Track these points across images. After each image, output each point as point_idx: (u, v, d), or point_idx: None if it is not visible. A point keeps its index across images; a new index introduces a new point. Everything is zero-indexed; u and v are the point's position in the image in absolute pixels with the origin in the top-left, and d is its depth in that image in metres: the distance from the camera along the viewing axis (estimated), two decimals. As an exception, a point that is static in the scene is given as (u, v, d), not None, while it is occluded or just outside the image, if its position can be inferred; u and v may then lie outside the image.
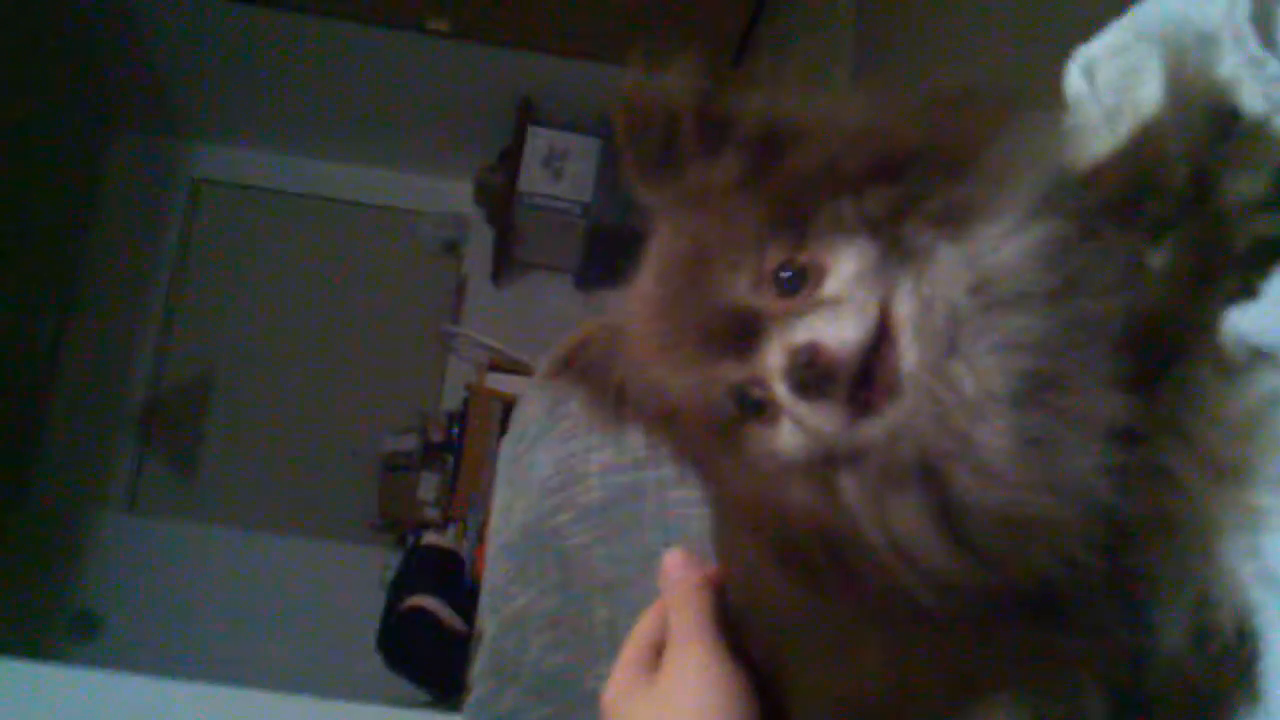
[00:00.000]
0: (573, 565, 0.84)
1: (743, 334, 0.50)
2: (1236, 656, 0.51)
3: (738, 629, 0.63)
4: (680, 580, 0.63)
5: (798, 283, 0.50)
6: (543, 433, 0.89)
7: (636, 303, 0.56)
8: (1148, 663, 0.51)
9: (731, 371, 0.51)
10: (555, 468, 0.87)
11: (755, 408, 0.51)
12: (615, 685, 0.63)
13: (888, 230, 0.49)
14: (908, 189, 0.49)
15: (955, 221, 0.48)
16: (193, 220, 4.04)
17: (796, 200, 0.51)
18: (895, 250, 0.49)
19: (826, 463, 0.49)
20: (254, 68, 3.53)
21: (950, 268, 0.48)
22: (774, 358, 0.49)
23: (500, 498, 0.93)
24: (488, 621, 0.91)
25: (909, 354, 0.47)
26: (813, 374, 0.47)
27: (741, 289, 0.51)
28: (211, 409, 3.90)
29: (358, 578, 3.63)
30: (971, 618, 0.49)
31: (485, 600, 0.92)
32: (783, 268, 0.50)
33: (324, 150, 4.00)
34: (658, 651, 0.62)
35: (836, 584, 0.50)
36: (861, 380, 0.47)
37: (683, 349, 0.52)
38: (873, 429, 0.48)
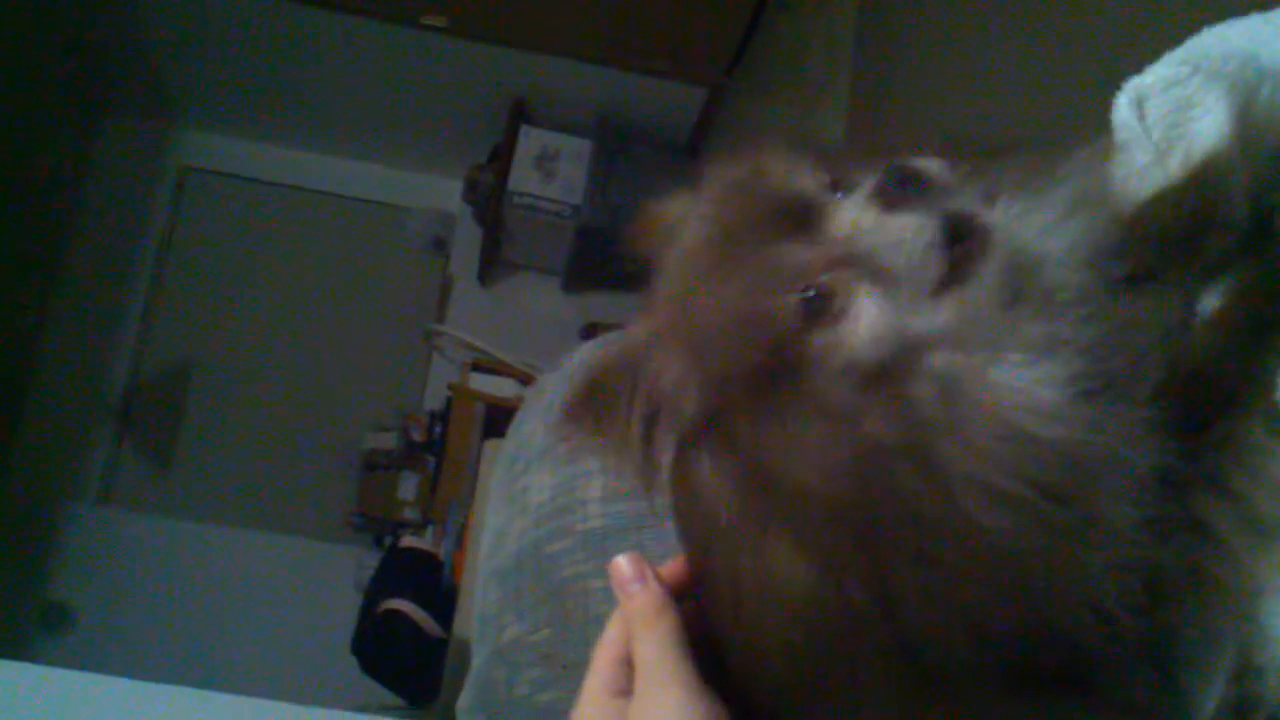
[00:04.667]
0: (567, 597, 0.79)
1: (807, 214, 0.52)
2: (1283, 730, 0.48)
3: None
4: (637, 596, 0.54)
5: (850, 191, 0.53)
6: (541, 454, 0.85)
7: (686, 233, 0.56)
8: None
9: (798, 253, 0.50)
10: (553, 492, 0.82)
11: (822, 299, 0.49)
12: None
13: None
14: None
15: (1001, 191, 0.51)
16: (178, 208, 3.98)
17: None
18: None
19: (901, 355, 0.48)
20: (247, 56, 3.48)
21: (1010, 221, 0.50)
22: (851, 211, 0.51)
23: (494, 520, 0.89)
24: (476, 650, 0.87)
25: (991, 217, 0.50)
26: (909, 173, 0.49)
27: (804, 183, 0.53)
28: (190, 401, 3.85)
29: (334, 577, 3.59)
30: (995, 686, 0.46)
31: (475, 627, 0.88)
32: (834, 183, 0.53)
33: (313, 142, 3.96)
34: (628, 670, 0.54)
35: (905, 564, 0.47)
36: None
37: (744, 238, 0.52)
38: (951, 304, 0.48)
